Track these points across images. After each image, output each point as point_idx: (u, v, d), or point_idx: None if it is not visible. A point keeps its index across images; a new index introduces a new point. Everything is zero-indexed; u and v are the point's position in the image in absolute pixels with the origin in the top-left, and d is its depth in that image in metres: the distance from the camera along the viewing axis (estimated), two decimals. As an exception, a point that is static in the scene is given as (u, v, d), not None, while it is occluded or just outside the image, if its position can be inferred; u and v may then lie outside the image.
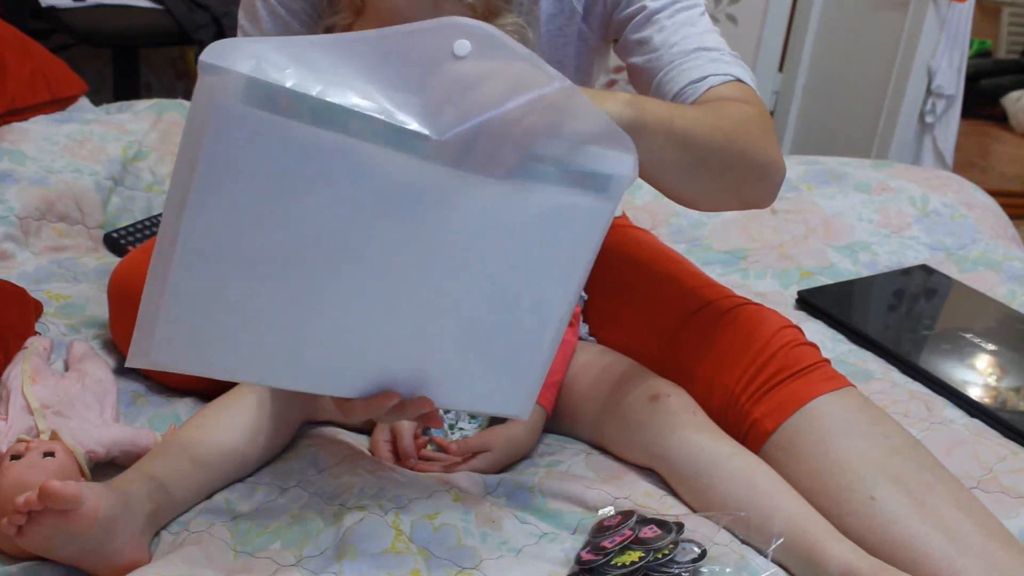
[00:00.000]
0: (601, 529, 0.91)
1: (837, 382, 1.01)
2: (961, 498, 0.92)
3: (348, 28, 0.93)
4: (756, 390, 1.01)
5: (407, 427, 1.01)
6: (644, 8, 1.02)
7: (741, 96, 0.99)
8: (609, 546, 0.87)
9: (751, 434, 1.00)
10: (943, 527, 0.88)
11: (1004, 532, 0.91)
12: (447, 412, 1.08)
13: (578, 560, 0.88)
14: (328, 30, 0.97)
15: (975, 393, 1.23)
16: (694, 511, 0.97)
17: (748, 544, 0.92)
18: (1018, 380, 1.28)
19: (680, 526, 0.89)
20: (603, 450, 1.07)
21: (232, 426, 0.96)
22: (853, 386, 1.03)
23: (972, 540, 0.87)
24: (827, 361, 1.05)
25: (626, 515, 0.91)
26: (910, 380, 1.27)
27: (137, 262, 1.10)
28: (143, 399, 1.10)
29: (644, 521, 0.90)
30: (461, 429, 1.08)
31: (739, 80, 0.99)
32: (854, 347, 1.35)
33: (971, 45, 3.10)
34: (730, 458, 0.96)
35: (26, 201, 1.43)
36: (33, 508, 0.77)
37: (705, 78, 0.98)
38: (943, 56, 2.82)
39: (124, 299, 1.09)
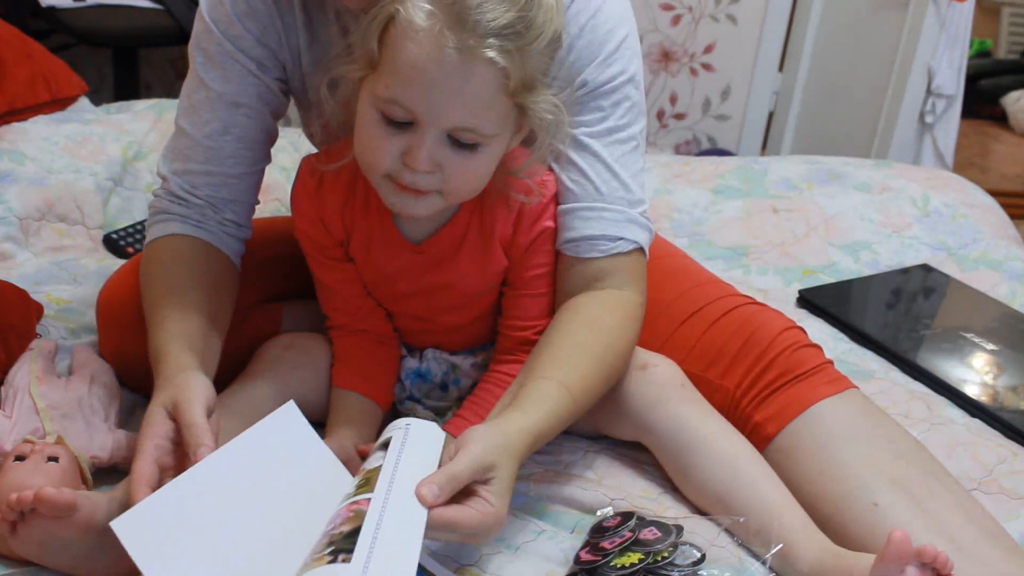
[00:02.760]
0: (600, 530, 0.91)
1: (840, 385, 1.01)
2: (964, 504, 0.92)
3: (359, 82, 0.87)
4: (757, 394, 1.01)
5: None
6: (581, 126, 0.98)
7: (633, 272, 1.00)
8: (609, 547, 0.87)
9: (752, 438, 1.00)
10: (946, 534, 0.88)
11: (1007, 539, 0.91)
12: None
13: (577, 560, 0.88)
14: (334, 82, 0.90)
15: (975, 392, 1.23)
16: (692, 506, 0.97)
17: (744, 547, 0.92)
18: (1018, 379, 1.27)
19: (680, 528, 0.89)
20: (596, 437, 1.07)
21: (226, 429, 0.95)
22: (856, 388, 1.02)
23: (975, 548, 0.87)
24: (830, 363, 1.04)
25: (625, 516, 0.91)
26: (910, 380, 1.27)
27: (122, 281, 1.10)
28: (141, 408, 1.09)
29: (644, 523, 0.90)
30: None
31: (641, 248, 1.00)
32: (855, 346, 1.35)
33: (971, 45, 3.10)
34: (716, 439, 0.96)
35: (26, 201, 1.43)
36: (25, 507, 0.77)
37: (618, 240, 0.98)
38: (943, 56, 2.82)
39: (111, 318, 1.09)
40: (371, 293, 1.05)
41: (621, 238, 0.98)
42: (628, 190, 0.99)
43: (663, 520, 0.90)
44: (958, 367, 1.29)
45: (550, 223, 0.99)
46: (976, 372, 1.29)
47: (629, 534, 0.88)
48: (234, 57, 1.00)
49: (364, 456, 0.98)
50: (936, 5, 2.76)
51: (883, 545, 0.80)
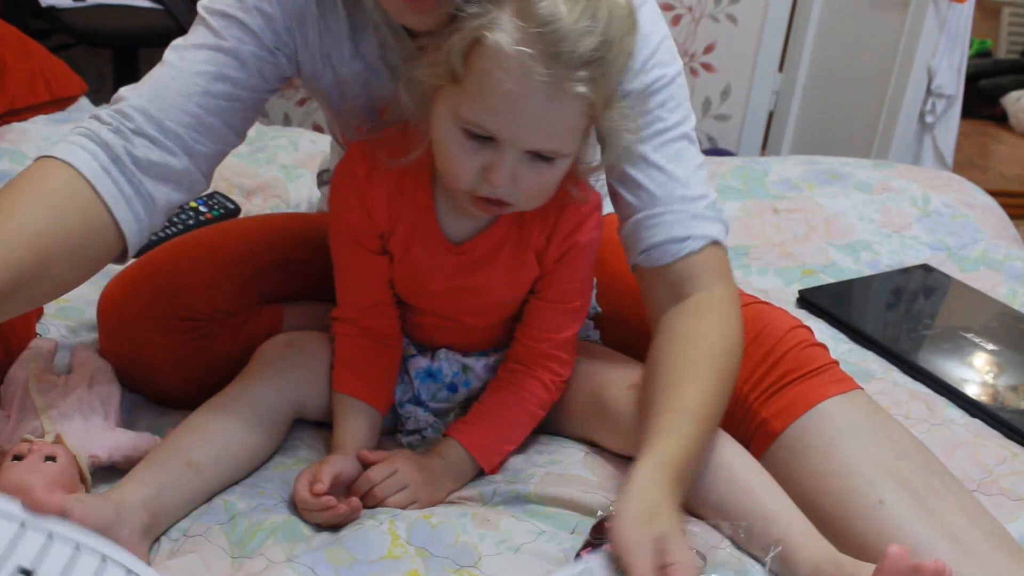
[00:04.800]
0: (601, 530, 0.90)
1: (846, 384, 1.01)
2: (968, 506, 0.92)
3: (436, 91, 0.86)
4: (765, 390, 1.01)
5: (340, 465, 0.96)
6: (630, 136, 0.96)
7: (714, 268, 0.99)
8: (610, 549, 0.86)
9: (759, 434, 1.00)
10: (950, 534, 0.88)
11: (1011, 541, 0.90)
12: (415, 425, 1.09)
13: (577, 560, 0.87)
14: (410, 82, 0.88)
15: (975, 392, 1.22)
16: (689, 512, 0.97)
17: (741, 549, 0.92)
18: (1018, 379, 1.27)
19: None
20: (596, 445, 1.07)
21: (226, 428, 0.95)
22: (861, 389, 1.02)
23: (979, 549, 0.87)
24: (836, 363, 1.04)
25: None
26: (911, 380, 1.27)
27: (124, 281, 1.09)
28: (141, 408, 1.09)
29: None
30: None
31: (715, 242, 0.99)
32: (855, 346, 1.35)
33: (971, 45, 3.10)
34: (710, 449, 0.95)
35: (26, 201, 1.43)
36: None
37: (686, 240, 0.97)
38: (943, 56, 2.82)
39: (111, 317, 1.08)
40: (397, 286, 1.04)
41: (688, 237, 0.97)
42: (686, 187, 0.98)
43: None
44: (958, 367, 1.29)
45: (584, 238, 0.99)
46: (977, 372, 1.29)
47: None
48: (256, 35, 0.94)
49: (364, 462, 0.98)
50: (936, 5, 2.76)
51: (888, 544, 0.80)
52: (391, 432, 1.09)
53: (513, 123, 0.83)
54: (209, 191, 1.55)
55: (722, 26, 3.09)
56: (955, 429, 1.14)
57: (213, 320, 1.07)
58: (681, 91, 1.00)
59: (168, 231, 1.46)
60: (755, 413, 1.01)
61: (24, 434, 0.92)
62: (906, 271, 1.56)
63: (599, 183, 1.01)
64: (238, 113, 0.96)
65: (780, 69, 3.25)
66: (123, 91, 0.93)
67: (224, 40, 0.93)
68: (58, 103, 1.76)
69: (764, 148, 3.34)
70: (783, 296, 1.47)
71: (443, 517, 0.92)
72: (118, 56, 2.64)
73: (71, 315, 1.24)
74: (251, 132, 1.22)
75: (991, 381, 1.26)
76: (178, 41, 0.95)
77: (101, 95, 2.59)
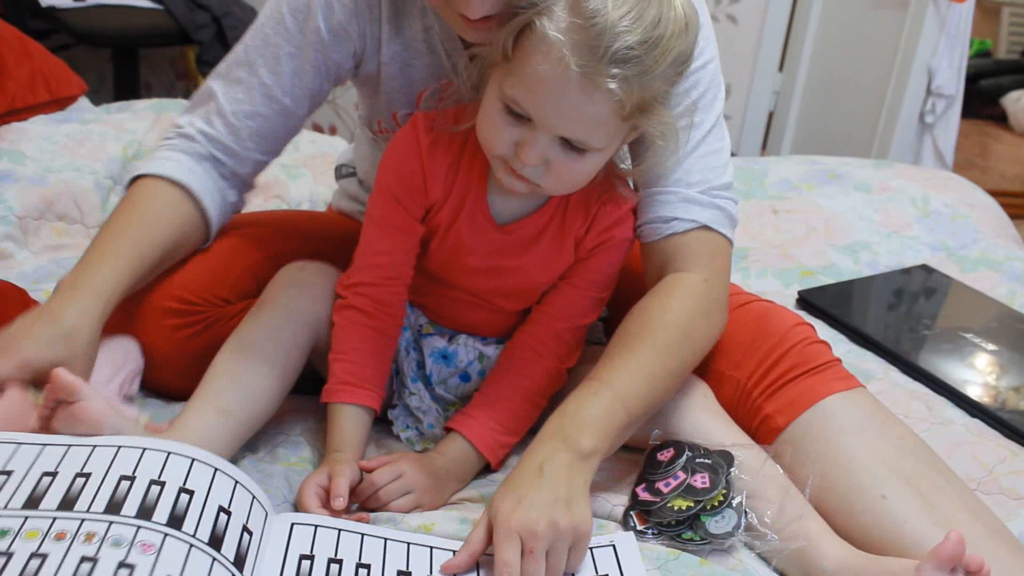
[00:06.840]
0: (654, 464, 0.94)
1: (849, 382, 1.01)
2: (970, 502, 0.92)
3: (491, 68, 0.91)
4: (768, 385, 1.01)
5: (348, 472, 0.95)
6: (668, 154, 0.99)
7: (696, 251, 1.00)
8: (665, 490, 0.91)
9: (762, 429, 1.01)
10: (953, 530, 0.88)
11: (1011, 538, 0.91)
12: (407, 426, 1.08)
13: (634, 497, 0.92)
14: (473, 57, 0.95)
15: (975, 393, 1.22)
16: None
17: (753, 532, 0.92)
18: (1018, 380, 1.27)
19: (729, 459, 0.93)
20: None
21: (250, 369, 0.97)
22: (863, 387, 1.03)
23: (982, 544, 0.87)
24: (839, 360, 1.05)
25: (677, 449, 0.95)
26: (910, 380, 1.27)
27: None
28: (139, 401, 1.09)
29: (693, 461, 0.94)
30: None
31: (705, 227, 1.01)
32: (854, 347, 1.35)
33: (971, 45, 3.10)
34: (738, 448, 0.97)
35: (25, 201, 1.43)
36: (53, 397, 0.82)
37: (671, 221, 1.00)
38: (943, 56, 2.82)
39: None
40: (434, 261, 1.04)
41: (675, 218, 1.00)
42: (688, 172, 1.01)
43: (712, 456, 0.94)
44: (958, 368, 1.29)
45: (620, 234, 1.02)
46: (977, 372, 1.29)
47: (683, 475, 0.92)
48: (299, 53, 1.02)
49: (366, 470, 0.97)
50: (936, 5, 2.76)
51: (891, 539, 0.82)
52: (386, 409, 1.08)
53: (545, 106, 0.86)
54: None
55: (722, 26, 3.09)
56: (955, 429, 1.14)
57: (213, 307, 1.07)
58: (710, 76, 1.02)
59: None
60: (759, 408, 1.01)
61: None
62: (907, 272, 1.56)
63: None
64: (281, 131, 1.09)
65: (780, 69, 3.25)
66: (181, 120, 1.08)
67: (259, 76, 1.04)
68: (58, 103, 1.76)
69: (764, 148, 3.34)
70: (782, 298, 1.46)
71: (443, 523, 0.92)
72: (118, 56, 2.64)
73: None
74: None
75: (993, 382, 1.26)
76: (225, 64, 1.06)
77: (101, 95, 2.59)
